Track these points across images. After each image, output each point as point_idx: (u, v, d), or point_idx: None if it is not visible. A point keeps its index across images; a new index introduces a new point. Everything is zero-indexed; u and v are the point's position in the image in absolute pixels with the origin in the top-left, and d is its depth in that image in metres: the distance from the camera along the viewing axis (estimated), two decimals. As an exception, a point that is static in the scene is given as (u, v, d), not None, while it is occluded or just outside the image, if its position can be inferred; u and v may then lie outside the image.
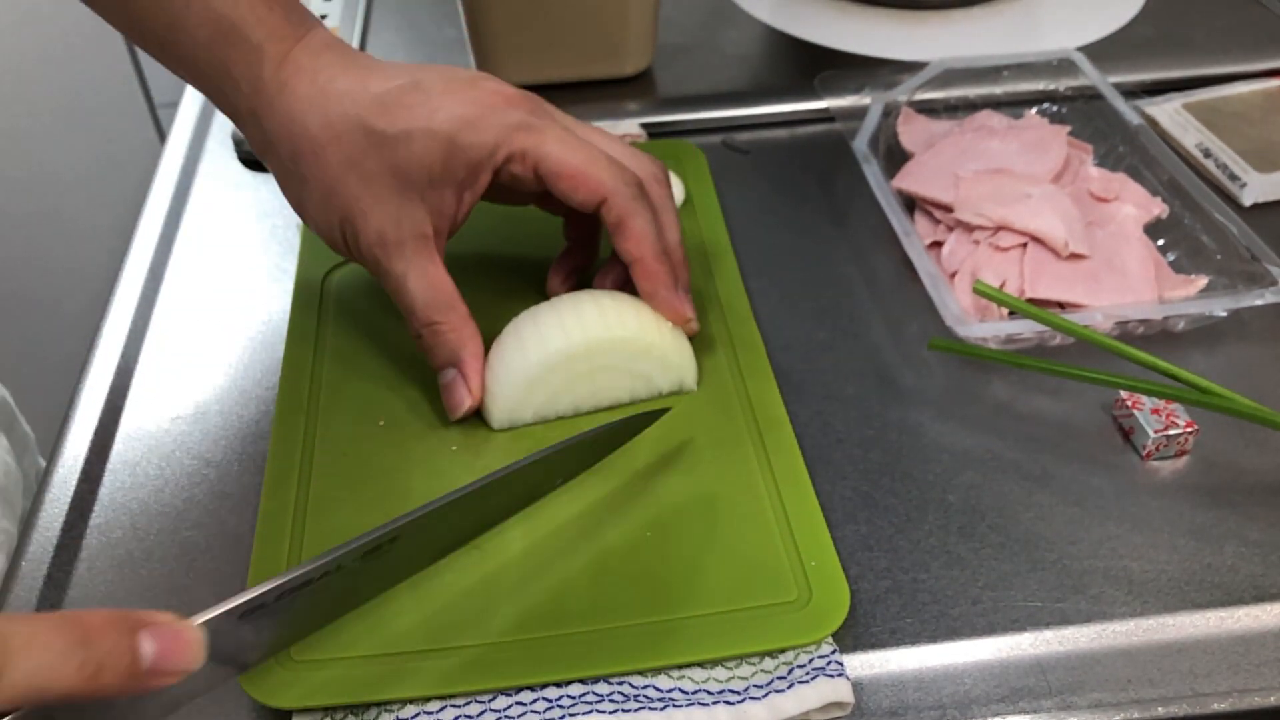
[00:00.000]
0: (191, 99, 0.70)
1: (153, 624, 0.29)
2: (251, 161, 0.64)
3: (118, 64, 1.43)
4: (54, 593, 0.42)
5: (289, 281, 0.55)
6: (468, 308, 0.46)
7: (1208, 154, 0.61)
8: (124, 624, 0.29)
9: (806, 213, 0.60)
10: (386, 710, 0.38)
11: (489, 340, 0.47)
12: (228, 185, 0.63)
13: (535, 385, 0.45)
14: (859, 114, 0.61)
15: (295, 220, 0.59)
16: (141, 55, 1.44)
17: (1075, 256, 0.52)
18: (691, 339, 0.48)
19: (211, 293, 0.55)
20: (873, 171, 0.57)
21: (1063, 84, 0.63)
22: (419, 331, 0.46)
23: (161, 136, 1.39)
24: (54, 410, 0.58)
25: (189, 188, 0.62)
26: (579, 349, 0.45)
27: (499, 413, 0.46)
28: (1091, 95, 0.62)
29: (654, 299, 0.46)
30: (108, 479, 0.47)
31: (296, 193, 0.46)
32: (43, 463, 0.53)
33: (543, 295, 0.50)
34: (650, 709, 0.37)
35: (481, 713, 0.37)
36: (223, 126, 0.67)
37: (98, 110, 1.45)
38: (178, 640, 0.30)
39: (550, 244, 0.52)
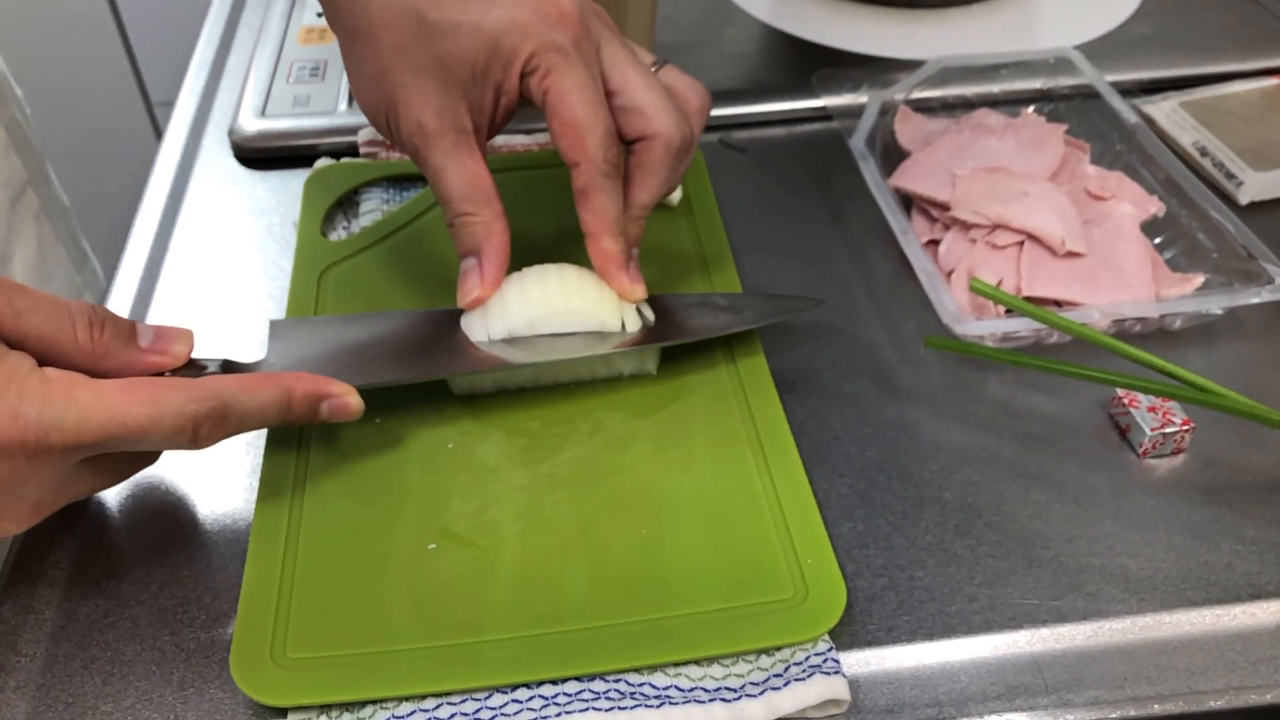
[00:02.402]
0: (189, 96, 0.69)
1: (330, 395, 0.42)
2: (248, 159, 0.64)
3: (114, 62, 1.43)
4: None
5: (285, 279, 0.55)
6: (503, 205, 0.46)
7: (1205, 152, 0.61)
8: (314, 398, 0.42)
9: (803, 211, 0.60)
10: (383, 708, 0.38)
11: None
12: (224, 183, 0.62)
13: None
14: (856, 112, 0.61)
15: (292, 218, 0.59)
16: (138, 52, 1.44)
17: (1072, 254, 0.52)
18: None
19: (208, 290, 0.55)
20: (870, 170, 0.57)
21: (1060, 82, 0.63)
22: (451, 221, 0.46)
23: (158, 134, 1.39)
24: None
25: (185, 185, 0.62)
26: (539, 317, 0.46)
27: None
28: (1088, 94, 0.62)
29: (605, 276, 0.47)
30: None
31: (351, 72, 0.47)
32: None
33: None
34: (646, 706, 0.37)
35: (478, 710, 0.37)
36: (219, 124, 0.66)
37: (94, 108, 1.44)
38: (346, 409, 0.43)
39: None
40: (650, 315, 0.48)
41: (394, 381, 0.45)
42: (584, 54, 0.44)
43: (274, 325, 0.47)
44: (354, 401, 0.43)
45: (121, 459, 0.42)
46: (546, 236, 0.52)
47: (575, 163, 0.44)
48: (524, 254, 0.49)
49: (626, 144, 0.46)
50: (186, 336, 0.43)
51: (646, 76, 0.46)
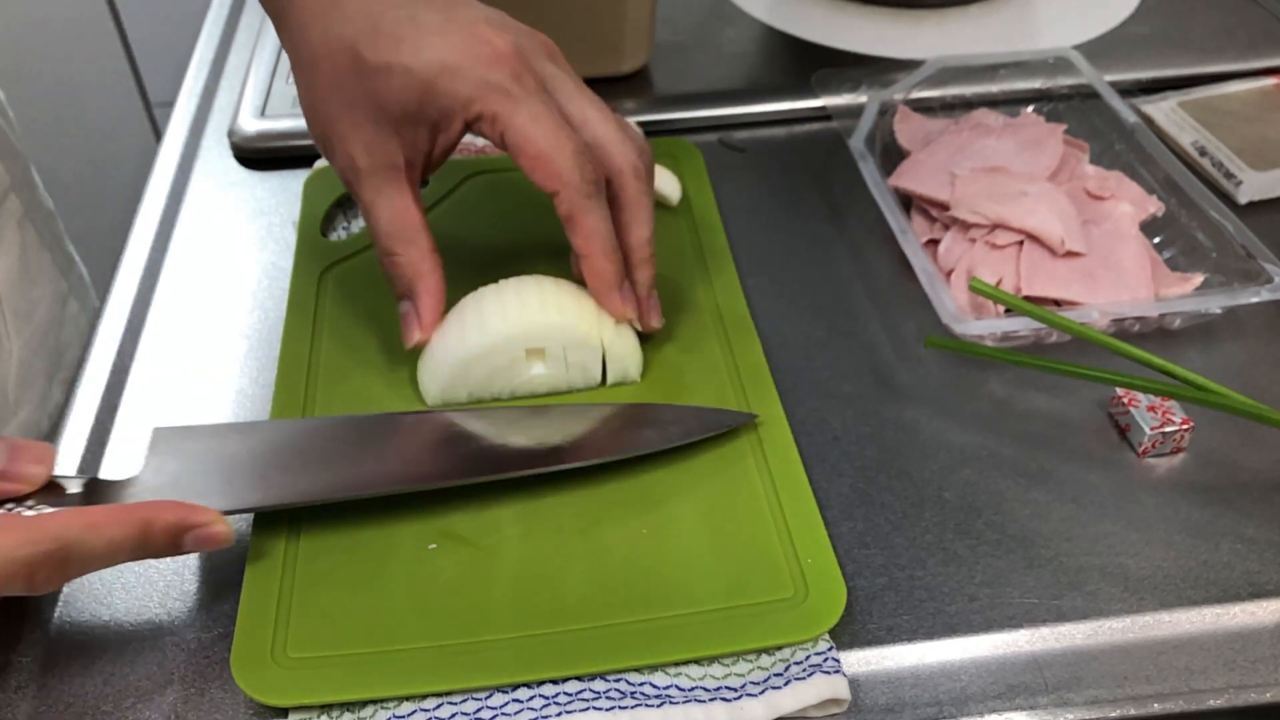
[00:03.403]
0: (188, 97, 0.69)
1: (195, 525, 0.39)
2: (247, 159, 0.64)
3: (114, 63, 1.43)
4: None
5: (285, 279, 0.55)
6: (432, 242, 0.46)
7: (1204, 152, 0.61)
8: (176, 530, 0.38)
9: (803, 211, 0.60)
10: (383, 708, 0.38)
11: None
12: (224, 183, 0.62)
13: (471, 365, 0.46)
14: (856, 112, 0.61)
15: (291, 218, 0.59)
16: (138, 53, 1.44)
17: (1071, 254, 0.52)
18: (647, 336, 0.49)
19: (207, 291, 0.55)
20: (869, 170, 0.57)
21: (1059, 82, 0.63)
22: (380, 259, 0.46)
23: (158, 135, 1.38)
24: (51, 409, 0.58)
25: (185, 186, 0.62)
26: (516, 332, 0.46)
27: (433, 390, 0.47)
28: (1088, 93, 0.62)
29: (598, 296, 0.46)
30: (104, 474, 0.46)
31: (299, 96, 0.47)
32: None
33: (541, 270, 0.49)
34: (647, 705, 0.37)
35: (478, 709, 0.37)
36: (219, 125, 0.66)
37: (94, 109, 1.44)
38: (212, 539, 0.39)
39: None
40: (638, 324, 0.48)
41: (291, 503, 0.42)
42: (527, 86, 0.43)
43: (156, 434, 0.43)
44: (221, 530, 0.39)
45: None
46: (537, 239, 0.52)
47: (554, 191, 0.44)
48: (517, 257, 0.50)
49: None
50: (44, 455, 0.39)
51: (602, 111, 0.46)
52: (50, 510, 0.38)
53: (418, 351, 0.48)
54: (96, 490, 0.40)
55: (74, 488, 0.40)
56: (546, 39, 0.47)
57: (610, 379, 0.48)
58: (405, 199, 0.45)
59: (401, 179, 0.45)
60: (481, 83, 0.43)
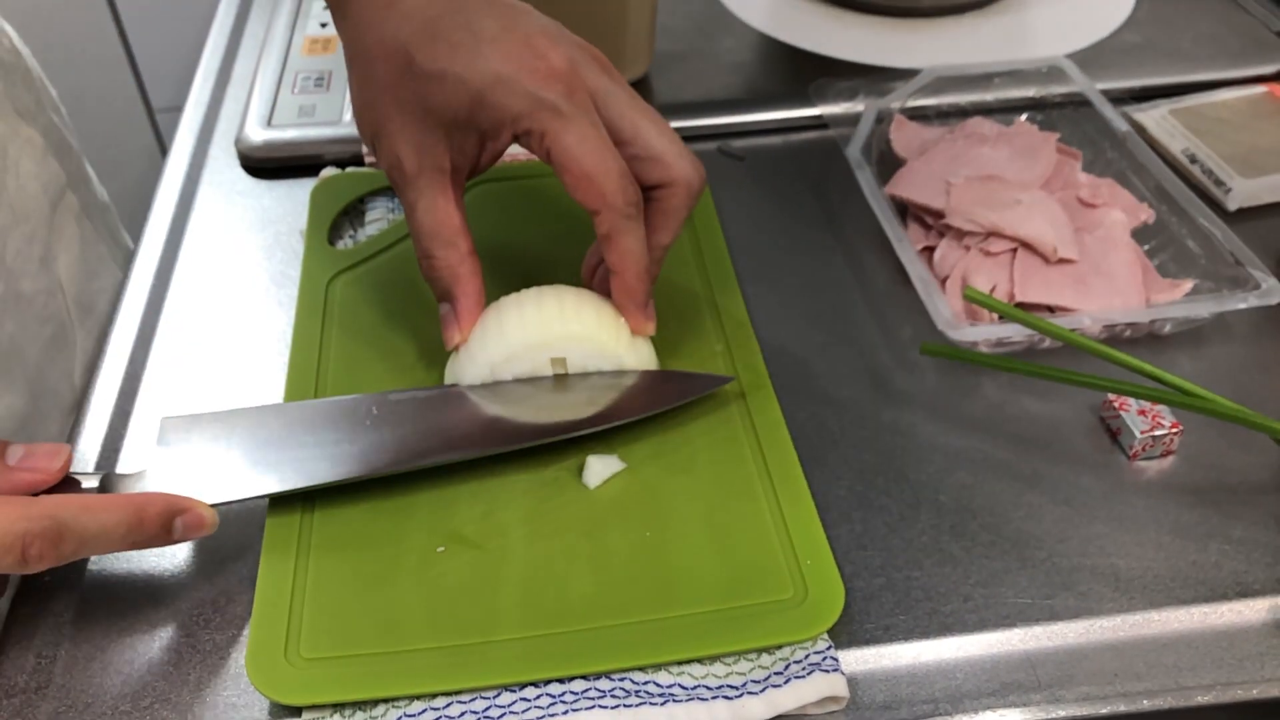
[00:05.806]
0: (195, 106, 0.70)
1: (184, 511, 0.41)
2: (254, 169, 0.65)
3: (116, 69, 1.43)
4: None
5: (293, 288, 0.56)
6: (471, 245, 0.46)
7: (1194, 160, 0.62)
8: (167, 515, 0.40)
9: (801, 218, 0.61)
10: (394, 706, 0.38)
11: None
12: (232, 193, 0.63)
13: (497, 371, 0.47)
14: (852, 121, 0.62)
15: (299, 226, 0.60)
16: (140, 60, 1.44)
17: (1064, 261, 0.53)
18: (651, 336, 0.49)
19: (216, 300, 0.56)
20: (866, 178, 0.58)
21: (1052, 90, 0.64)
22: (419, 260, 0.47)
23: (160, 142, 1.39)
24: (60, 417, 0.59)
25: (193, 195, 0.63)
26: (535, 339, 0.46)
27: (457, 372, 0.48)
28: (1080, 102, 0.63)
29: (624, 311, 0.47)
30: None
31: (350, 90, 0.48)
32: None
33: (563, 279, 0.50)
34: (651, 704, 0.38)
35: (487, 708, 0.38)
36: (226, 134, 0.67)
37: (95, 115, 1.45)
38: (201, 525, 0.41)
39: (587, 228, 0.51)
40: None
41: (295, 488, 0.44)
42: (579, 104, 0.43)
43: (165, 424, 0.45)
44: (207, 515, 0.41)
45: None
46: (550, 244, 0.53)
47: (595, 210, 0.44)
48: (527, 263, 0.50)
49: (645, 190, 0.46)
50: (60, 452, 0.41)
51: (658, 124, 0.46)
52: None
53: (424, 357, 0.48)
54: (109, 484, 0.43)
55: (89, 483, 0.42)
56: (599, 53, 0.47)
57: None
58: (448, 203, 0.46)
59: (446, 183, 0.46)
60: (533, 99, 0.43)
